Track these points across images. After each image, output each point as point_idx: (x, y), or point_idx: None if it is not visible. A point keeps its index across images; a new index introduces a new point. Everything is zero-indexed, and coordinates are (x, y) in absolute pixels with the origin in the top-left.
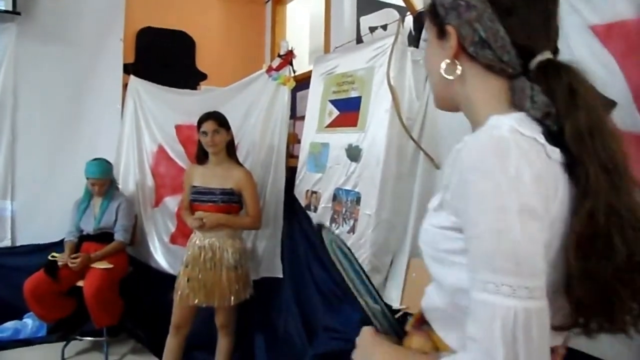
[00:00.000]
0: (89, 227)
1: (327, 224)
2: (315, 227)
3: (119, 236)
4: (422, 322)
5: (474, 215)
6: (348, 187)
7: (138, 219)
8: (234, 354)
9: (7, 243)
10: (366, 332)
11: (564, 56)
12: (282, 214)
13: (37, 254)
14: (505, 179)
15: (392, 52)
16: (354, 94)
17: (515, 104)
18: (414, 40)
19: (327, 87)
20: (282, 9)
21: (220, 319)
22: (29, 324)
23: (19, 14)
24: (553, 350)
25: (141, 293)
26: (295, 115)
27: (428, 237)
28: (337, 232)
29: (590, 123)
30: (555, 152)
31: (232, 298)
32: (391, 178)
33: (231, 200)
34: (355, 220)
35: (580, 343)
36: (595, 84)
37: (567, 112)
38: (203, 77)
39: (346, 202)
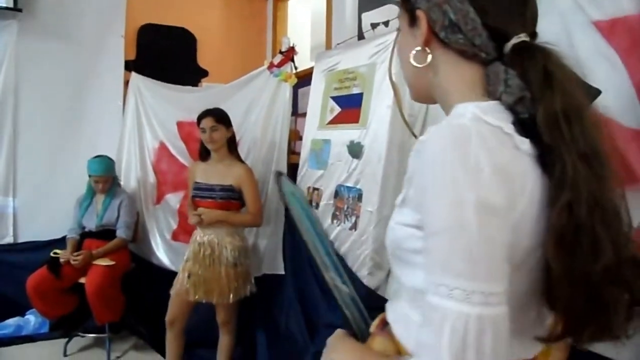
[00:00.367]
0: (91, 224)
1: (329, 220)
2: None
3: (121, 233)
4: (386, 324)
5: (431, 211)
6: (350, 184)
7: (140, 216)
8: (235, 350)
9: (9, 240)
10: (339, 331)
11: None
12: (283, 211)
13: (39, 251)
14: (463, 171)
15: (393, 48)
16: (355, 91)
17: (490, 92)
18: None
19: (328, 83)
20: (283, 5)
21: (220, 316)
22: (31, 320)
23: (20, 10)
24: None
25: (143, 290)
26: (297, 111)
27: (393, 236)
28: (338, 229)
29: (567, 107)
30: (525, 143)
31: (231, 295)
32: (393, 174)
33: (230, 197)
34: (357, 217)
35: None
36: (576, 67)
37: (542, 96)
38: (204, 73)
39: (348, 198)
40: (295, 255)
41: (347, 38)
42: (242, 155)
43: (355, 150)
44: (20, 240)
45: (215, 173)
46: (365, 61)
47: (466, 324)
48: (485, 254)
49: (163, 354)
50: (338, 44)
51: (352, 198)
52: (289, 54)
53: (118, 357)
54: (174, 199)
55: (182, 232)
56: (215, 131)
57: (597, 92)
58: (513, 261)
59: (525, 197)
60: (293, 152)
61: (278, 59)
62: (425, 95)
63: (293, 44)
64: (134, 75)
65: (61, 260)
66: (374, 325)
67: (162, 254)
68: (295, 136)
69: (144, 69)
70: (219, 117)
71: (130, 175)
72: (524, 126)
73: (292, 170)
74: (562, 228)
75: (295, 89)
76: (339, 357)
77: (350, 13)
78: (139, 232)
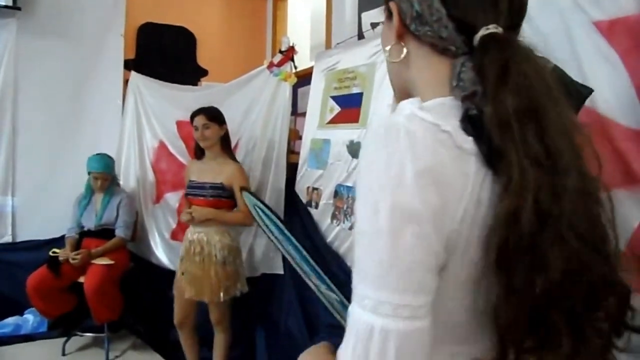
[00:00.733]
0: (90, 223)
1: (329, 220)
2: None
3: (120, 232)
4: None
5: (356, 214)
6: (349, 184)
7: (139, 215)
8: (234, 350)
9: (8, 239)
10: (323, 343)
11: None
12: (283, 211)
13: (38, 250)
14: (385, 174)
15: None
16: (355, 90)
17: (450, 86)
18: None
19: (328, 83)
20: (283, 4)
21: (213, 315)
22: (30, 319)
23: (19, 9)
24: None
25: (142, 289)
26: (297, 111)
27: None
28: (337, 229)
29: (521, 106)
30: (468, 142)
31: (222, 294)
32: None
33: (220, 195)
34: None
35: None
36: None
37: (494, 93)
38: (204, 73)
39: (347, 198)
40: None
41: (347, 37)
42: (242, 155)
43: (355, 150)
44: (19, 239)
45: (208, 171)
46: (365, 61)
47: (370, 335)
48: (397, 263)
49: (162, 354)
50: (338, 43)
51: (351, 198)
52: (289, 54)
53: (117, 357)
54: (173, 198)
55: (181, 232)
56: (207, 129)
57: (589, 91)
58: (459, 272)
59: (465, 201)
60: (292, 152)
61: (278, 58)
62: (404, 93)
63: (293, 44)
64: (133, 74)
65: (60, 259)
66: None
67: (161, 253)
68: (294, 136)
69: (144, 68)
70: (211, 114)
71: (129, 175)
72: (472, 123)
73: (292, 169)
74: (503, 240)
75: (295, 88)
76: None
77: (350, 12)
78: (138, 231)
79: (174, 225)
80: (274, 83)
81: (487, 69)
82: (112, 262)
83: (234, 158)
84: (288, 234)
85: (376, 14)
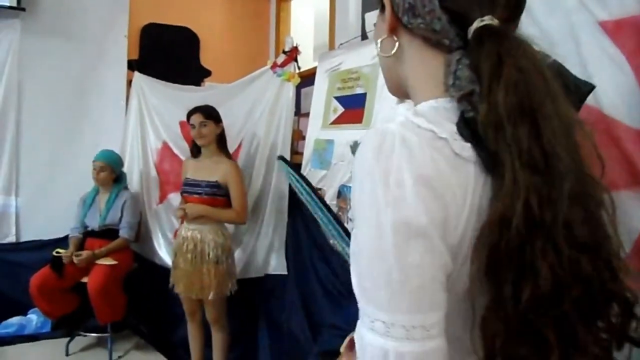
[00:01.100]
0: (94, 224)
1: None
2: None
3: (123, 233)
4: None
5: (355, 230)
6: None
7: (142, 215)
8: (236, 350)
9: (11, 239)
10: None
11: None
12: (286, 211)
13: (41, 250)
14: (383, 187)
15: None
16: (359, 91)
17: (444, 85)
18: None
19: (332, 83)
20: (286, 5)
21: (209, 314)
22: (33, 319)
23: (23, 9)
24: None
25: (145, 289)
26: (300, 111)
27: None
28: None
29: (515, 105)
30: (466, 149)
31: (212, 292)
32: None
33: (215, 193)
34: None
35: None
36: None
37: (487, 90)
38: (207, 73)
39: (351, 199)
40: (298, 256)
41: (350, 38)
42: (245, 155)
43: None
44: (23, 239)
45: (204, 169)
46: (368, 61)
47: (385, 359)
48: (406, 283)
49: (165, 354)
50: (341, 44)
51: None
52: (292, 54)
53: (120, 357)
54: (176, 199)
55: None
56: (204, 127)
57: (590, 87)
58: (458, 284)
59: (466, 210)
60: (296, 152)
61: (281, 58)
62: (398, 88)
63: (296, 44)
64: (136, 74)
65: (64, 259)
66: (343, 346)
67: (164, 254)
68: (298, 136)
69: (147, 68)
70: (208, 112)
71: (133, 175)
72: (469, 127)
73: (296, 170)
74: (492, 247)
75: (298, 89)
76: None
77: (354, 13)
78: (141, 231)
79: (177, 226)
80: (277, 83)
81: (482, 65)
82: (115, 262)
83: (229, 156)
84: (316, 199)
85: None
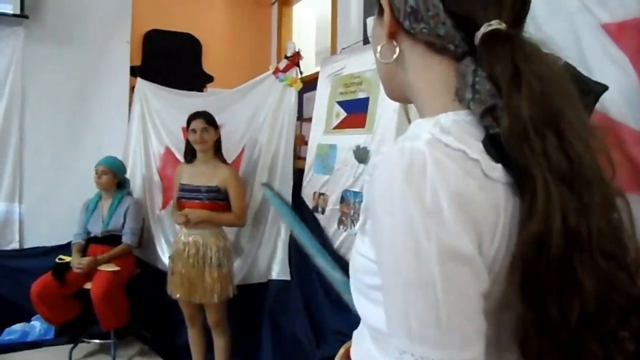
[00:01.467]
0: (96, 229)
1: (336, 226)
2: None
3: (126, 239)
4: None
5: (385, 259)
6: (356, 189)
7: (145, 221)
8: (238, 355)
9: (15, 245)
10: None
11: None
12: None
13: (45, 257)
14: (419, 211)
15: None
16: (361, 95)
17: (460, 97)
18: None
19: (334, 88)
20: (288, 10)
21: (210, 318)
22: (36, 326)
23: (26, 17)
24: None
25: (148, 295)
26: (302, 116)
27: (353, 266)
28: (344, 234)
29: (538, 114)
30: (497, 170)
31: (215, 296)
32: None
33: (216, 198)
34: None
35: None
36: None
37: (508, 101)
38: (209, 79)
39: (354, 204)
40: (301, 261)
41: (352, 43)
42: (247, 160)
43: (361, 155)
44: (26, 245)
45: (201, 174)
46: (371, 66)
47: None
48: (456, 315)
49: (168, 359)
50: (343, 48)
51: (358, 203)
52: (295, 59)
53: None
54: None
55: None
56: (206, 132)
57: (603, 88)
58: (490, 310)
59: (499, 234)
60: (299, 157)
61: (283, 64)
62: (399, 94)
63: (298, 49)
64: (139, 80)
65: (71, 266)
66: (339, 355)
67: (167, 259)
68: (300, 141)
69: (150, 74)
70: (209, 118)
71: (136, 181)
72: (495, 146)
73: (298, 175)
74: (528, 266)
75: (301, 93)
76: None
77: (356, 17)
78: (144, 237)
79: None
80: (279, 89)
81: (497, 73)
82: (118, 268)
83: (225, 161)
84: (297, 218)
85: None
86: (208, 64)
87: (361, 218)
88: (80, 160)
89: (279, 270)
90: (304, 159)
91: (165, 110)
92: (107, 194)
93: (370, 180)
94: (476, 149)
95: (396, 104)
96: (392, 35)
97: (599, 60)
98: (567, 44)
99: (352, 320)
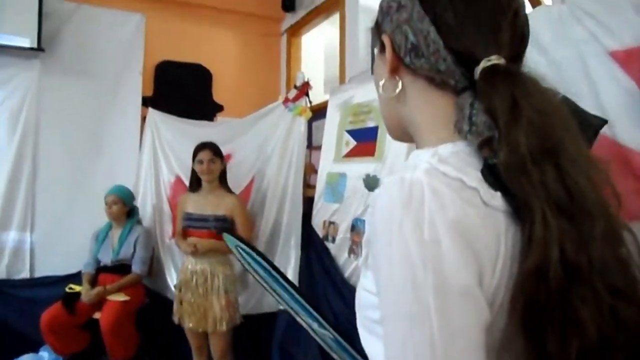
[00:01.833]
0: (106, 259)
1: (346, 254)
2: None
3: (136, 268)
4: None
5: (383, 290)
6: (365, 219)
7: (155, 250)
8: None
9: (25, 275)
10: None
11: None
12: (299, 246)
13: (55, 286)
14: (416, 240)
15: None
16: (370, 124)
17: (458, 130)
18: None
19: (343, 117)
20: (297, 41)
21: (215, 348)
22: (45, 357)
23: (43, 50)
24: None
25: (157, 325)
26: (311, 144)
27: (358, 302)
28: (355, 263)
29: (537, 146)
30: (496, 198)
31: (224, 323)
32: None
33: (224, 227)
34: None
35: None
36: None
37: (507, 135)
38: (220, 108)
39: (365, 232)
40: (312, 291)
41: (360, 72)
42: (257, 189)
43: (371, 183)
44: (37, 275)
45: (208, 204)
46: None
47: None
48: (453, 352)
49: None
50: (352, 77)
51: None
52: (304, 89)
53: None
54: None
55: None
56: (213, 163)
57: (603, 122)
58: (491, 342)
59: (500, 264)
60: (308, 186)
61: (293, 93)
62: (401, 131)
63: (307, 79)
64: (151, 110)
65: (83, 297)
66: None
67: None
68: (310, 170)
69: (161, 104)
70: (216, 149)
71: (146, 209)
72: (493, 175)
73: (308, 203)
74: (528, 298)
75: (310, 122)
76: None
77: (364, 47)
78: (154, 266)
79: None
80: (289, 118)
81: (497, 107)
82: (127, 298)
83: (230, 190)
84: (275, 273)
85: None
86: (218, 94)
87: (364, 252)
88: (91, 190)
89: None
90: (314, 187)
91: (176, 140)
92: (117, 223)
93: (371, 212)
94: (474, 178)
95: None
96: (394, 71)
97: (608, 87)
98: (576, 72)
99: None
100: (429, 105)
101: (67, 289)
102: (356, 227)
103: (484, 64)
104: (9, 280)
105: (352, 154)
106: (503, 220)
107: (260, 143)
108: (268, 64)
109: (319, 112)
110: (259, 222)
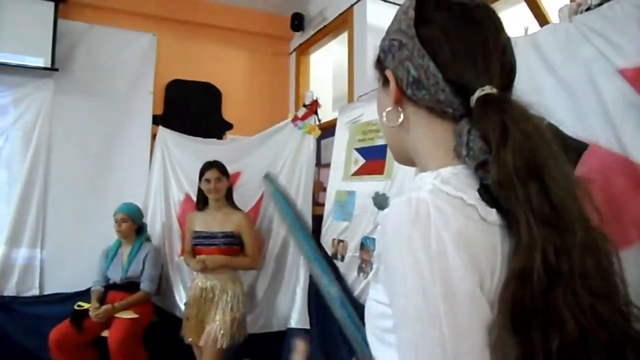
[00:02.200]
0: (116, 276)
1: (355, 273)
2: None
3: (144, 286)
4: None
5: (396, 299)
6: (376, 236)
7: (164, 267)
8: None
9: (34, 292)
10: None
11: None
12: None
13: (64, 303)
14: (425, 254)
15: None
16: (379, 142)
17: (457, 154)
18: None
19: (352, 135)
20: (305, 59)
21: None
22: None
23: (56, 70)
24: None
25: (165, 343)
26: (320, 162)
27: (368, 312)
28: (364, 282)
29: (522, 165)
30: (492, 214)
31: (226, 340)
32: None
33: (232, 243)
34: None
35: None
36: (555, 120)
37: (496, 154)
38: (229, 126)
39: (374, 251)
40: (321, 310)
41: (369, 90)
42: (265, 208)
43: (380, 201)
44: (46, 292)
45: (216, 221)
46: None
47: None
48: (462, 348)
49: None
50: (360, 96)
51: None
52: (313, 107)
53: None
54: None
55: None
56: (220, 181)
57: (584, 146)
58: (492, 342)
59: (497, 274)
60: (317, 204)
61: (302, 112)
62: (404, 156)
63: (316, 97)
64: (161, 129)
65: (91, 314)
66: None
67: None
68: (319, 187)
69: (171, 122)
70: (223, 168)
71: (155, 227)
72: (489, 193)
73: (317, 221)
74: (514, 300)
75: (318, 140)
76: None
77: (372, 65)
78: (162, 284)
79: None
80: (298, 136)
81: (489, 132)
82: (136, 315)
83: (237, 207)
84: (300, 223)
85: None
86: (228, 112)
87: (375, 266)
88: (102, 207)
89: (298, 319)
90: (323, 205)
91: (186, 158)
92: (126, 240)
93: (381, 229)
94: (473, 196)
95: None
96: (397, 102)
97: (618, 105)
98: (585, 90)
99: None
100: (430, 132)
101: (75, 307)
102: (365, 246)
103: (478, 93)
104: (19, 297)
105: (361, 172)
106: (499, 233)
107: (269, 161)
108: (277, 82)
109: (328, 130)
110: (268, 240)
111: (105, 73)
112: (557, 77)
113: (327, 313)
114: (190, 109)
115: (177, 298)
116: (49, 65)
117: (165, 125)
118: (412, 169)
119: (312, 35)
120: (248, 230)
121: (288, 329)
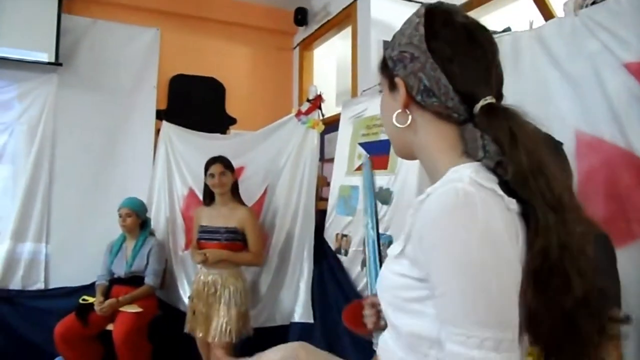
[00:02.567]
0: (120, 271)
1: (359, 267)
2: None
3: (149, 280)
4: None
5: (445, 272)
6: (379, 230)
7: (168, 262)
8: None
9: (40, 286)
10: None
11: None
12: (312, 258)
13: (69, 297)
14: (476, 233)
15: None
16: (383, 137)
17: (469, 153)
18: None
19: (356, 130)
20: (309, 54)
21: (213, 356)
22: None
23: (60, 64)
24: None
25: (169, 337)
26: (324, 157)
27: (388, 284)
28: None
29: (532, 165)
30: (513, 203)
31: (233, 335)
32: None
33: (235, 239)
34: None
35: None
36: (538, 122)
37: (511, 157)
38: (233, 121)
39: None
40: (325, 303)
41: (372, 85)
42: (270, 201)
43: (384, 196)
44: (51, 286)
45: (220, 216)
46: None
47: None
48: (506, 307)
49: None
50: (364, 90)
51: (384, 245)
52: (316, 102)
53: None
54: None
55: None
56: (224, 176)
57: (560, 144)
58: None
59: (521, 255)
60: (321, 198)
61: (305, 106)
62: (407, 152)
63: (320, 92)
64: (164, 123)
65: (96, 308)
66: None
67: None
68: (322, 182)
69: (175, 117)
70: (227, 163)
71: (159, 222)
72: (507, 187)
73: (321, 216)
74: (538, 270)
75: (322, 134)
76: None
77: (376, 60)
78: (166, 278)
79: None
80: (301, 131)
81: (500, 137)
82: (140, 309)
83: (243, 202)
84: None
85: None
86: (231, 107)
87: (400, 244)
88: (106, 202)
89: (301, 313)
90: (326, 200)
91: (189, 152)
92: (131, 235)
93: (415, 212)
94: (499, 189)
95: None
96: (405, 106)
97: (623, 99)
98: (590, 84)
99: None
100: (436, 133)
101: (80, 301)
102: None
103: (482, 102)
104: (24, 291)
105: None
106: (519, 220)
107: (273, 156)
108: (281, 77)
109: (331, 124)
110: (272, 234)
111: (109, 68)
112: (562, 71)
113: (330, 307)
114: (194, 103)
115: (181, 292)
116: (53, 60)
117: (169, 120)
118: (416, 165)
119: (316, 30)
120: (251, 226)
121: (292, 323)
